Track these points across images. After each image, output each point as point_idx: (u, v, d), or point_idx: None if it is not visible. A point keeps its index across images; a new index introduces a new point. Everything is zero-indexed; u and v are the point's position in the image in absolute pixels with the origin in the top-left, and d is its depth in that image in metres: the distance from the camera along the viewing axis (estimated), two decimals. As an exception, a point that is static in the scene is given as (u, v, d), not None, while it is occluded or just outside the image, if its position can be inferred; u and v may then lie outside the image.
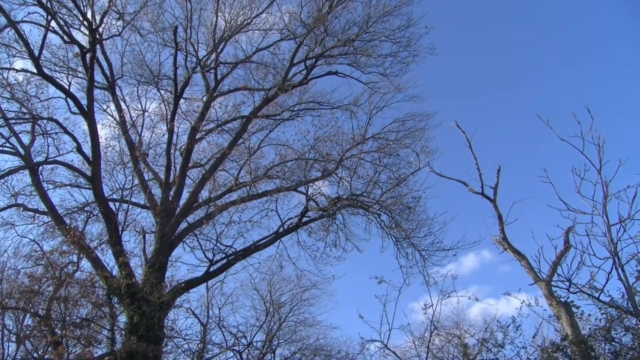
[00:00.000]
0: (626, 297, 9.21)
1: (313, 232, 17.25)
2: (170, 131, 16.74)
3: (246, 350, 21.01)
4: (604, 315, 9.69)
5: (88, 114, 14.31)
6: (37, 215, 16.76)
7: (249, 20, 18.06)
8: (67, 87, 14.83)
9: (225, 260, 15.64)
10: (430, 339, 12.56)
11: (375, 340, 12.28)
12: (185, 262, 16.74)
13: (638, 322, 8.85)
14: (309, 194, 16.87)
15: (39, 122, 16.52)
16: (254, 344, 21.50)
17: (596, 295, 9.53)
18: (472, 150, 12.35)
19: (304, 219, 16.54)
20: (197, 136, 17.48)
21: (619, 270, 9.25)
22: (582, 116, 9.44)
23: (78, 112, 15.08)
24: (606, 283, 9.23)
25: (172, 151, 16.68)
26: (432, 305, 12.17)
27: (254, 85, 18.50)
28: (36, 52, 13.48)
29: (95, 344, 13.27)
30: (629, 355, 8.96)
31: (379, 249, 16.83)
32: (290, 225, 16.45)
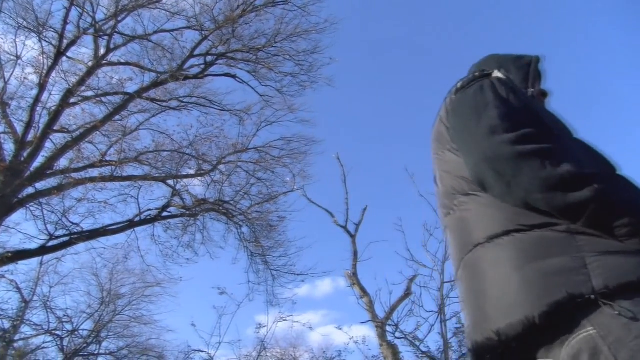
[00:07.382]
0: (441, 349, 10.09)
1: (170, 228, 16.61)
2: (42, 86, 15.27)
3: (69, 337, 19.48)
4: (421, 364, 10.46)
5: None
6: None
7: (158, -2, 17.29)
8: None
9: (68, 237, 14.43)
10: (258, 359, 12.64)
11: (202, 351, 12.10)
12: (21, 231, 15.18)
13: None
14: (176, 188, 16.30)
15: None
16: (80, 332, 20.03)
17: (417, 344, 10.32)
18: (346, 186, 12.92)
19: (164, 213, 15.92)
20: (72, 100, 16.14)
21: (442, 324, 10.15)
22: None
23: None
24: (428, 334, 10.07)
25: (38, 109, 15.21)
26: (266, 325, 12.33)
27: (147, 64, 17.62)
28: None
29: None
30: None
31: (232, 260, 16.73)
32: (148, 217, 15.71)
